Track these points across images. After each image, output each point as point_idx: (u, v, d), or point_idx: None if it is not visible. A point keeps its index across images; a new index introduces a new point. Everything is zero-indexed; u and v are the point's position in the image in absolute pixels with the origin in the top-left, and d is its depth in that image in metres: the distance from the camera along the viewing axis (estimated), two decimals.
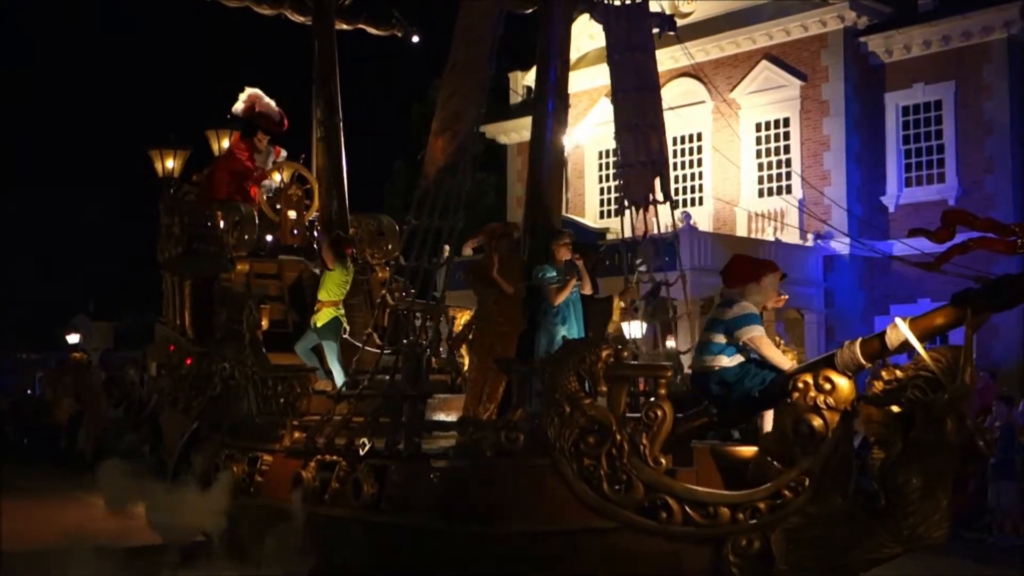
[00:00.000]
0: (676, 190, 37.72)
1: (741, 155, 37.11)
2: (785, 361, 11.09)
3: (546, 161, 12.98)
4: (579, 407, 10.63)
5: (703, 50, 36.19)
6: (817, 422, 10.05)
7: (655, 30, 13.77)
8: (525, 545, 10.94)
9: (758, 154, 37.38)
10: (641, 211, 13.62)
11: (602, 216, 40.80)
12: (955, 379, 9.48)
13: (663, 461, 10.51)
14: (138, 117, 78.03)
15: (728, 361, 11.08)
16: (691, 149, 39.15)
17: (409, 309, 13.00)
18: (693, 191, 39.07)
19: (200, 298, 16.85)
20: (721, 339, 11.13)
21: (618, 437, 10.49)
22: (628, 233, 13.90)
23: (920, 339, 9.83)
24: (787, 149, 36.62)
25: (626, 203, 13.53)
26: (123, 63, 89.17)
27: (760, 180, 37.55)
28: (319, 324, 15.57)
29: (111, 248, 71.71)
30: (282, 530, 12.63)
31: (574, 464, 10.60)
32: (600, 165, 41.55)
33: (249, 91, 18.26)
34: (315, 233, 17.10)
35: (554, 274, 12.93)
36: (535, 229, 13.01)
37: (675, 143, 38.30)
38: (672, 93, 35.55)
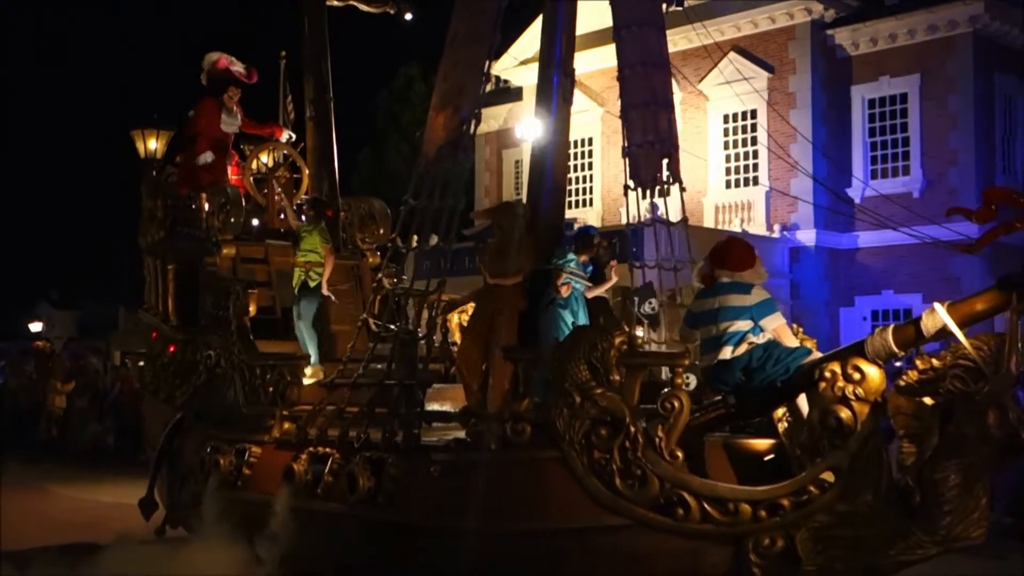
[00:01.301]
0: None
1: (708, 146, 36.53)
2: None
3: (551, 141, 11.87)
4: (590, 397, 9.70)
5: (671, 41, 35.15)
6: (845, 414, 9.06)
7: (663, 4, 12.69)
8: (532, 544, 10.02)
9: (725, 145, 36.63)
10: (648, 194, 12.64)
11: (570, 207, 39.83)
12: (998, 368, 8.56)
13: (680, 455, 9.53)
14: (113, 97, 75.63)
15: (754, 339, 10.14)
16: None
17: (407, 294, 11.96)
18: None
19: (184, 283, 15.67)
20: (746, 325, 10.17)
21: (632, 429, 9.55)
22: (634, 218, 12.96)
23: (959, 326, 8.84)
24: (754, 141, 35.86)
25: (631, 186, 12.52)
26: (101, 39, 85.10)
27: (727, 171, 36.79)
28: (312, 284, 14.43)
29: (75, 235, 69.85)
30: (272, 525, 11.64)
31: (585, 458, 9.68)
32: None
33: (210, 55, 17.04)
34: (303, 218, 15.98)
35: (574, 265, 11.94)
36: (539, 211, 11.89)
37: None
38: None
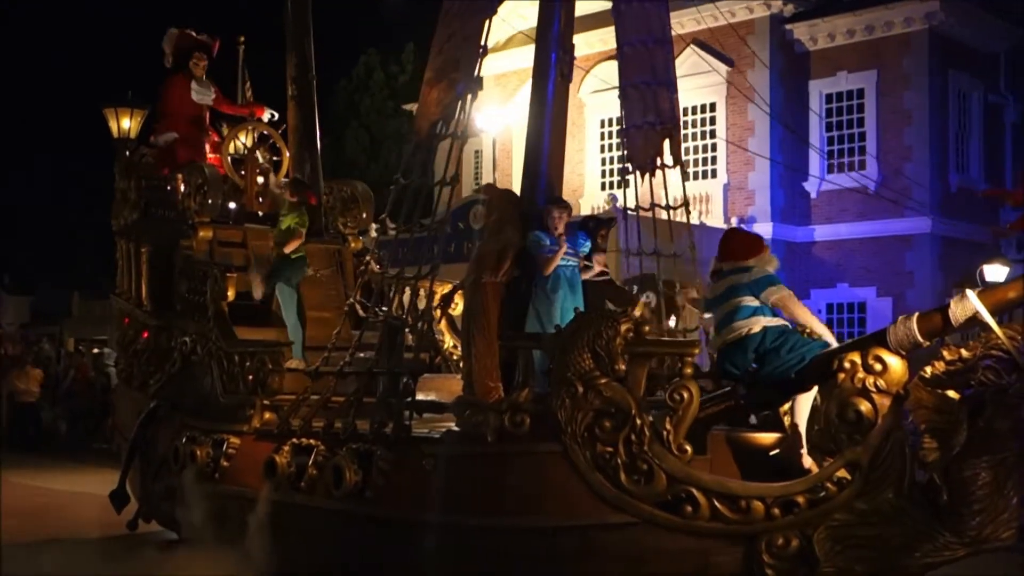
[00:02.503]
0: (603, 172, 36.36)
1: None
2: (818, 323, 9.69)
3: (547, 121, 10.97)
4: (594, 387, 8.89)
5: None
6: (865, 407, 8.33)
7: None
8: (531, 542, 9.19)
9: (684, 138, 35.71)
10: (647, 177, 11.82)
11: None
12: None
13: (688, 449, 8.75)
14: (73, 72, 72.37)
15: (768, 321, 9.42)
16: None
17: (399, 279, 11.06)
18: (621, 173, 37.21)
19: (158, 267, 14.63)
20: (752, 301, 9.49)
21: (638, 422, 8.74)
22: (632, 202, 12.15)
23: (991, 314, 8.06)
24: (712, 134, 35.12)
25: (630, 168, 11.70)
26: (61, 11, 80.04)
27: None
28: (293, 257, 13.54)
29: (27, 218, 67.48)
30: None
31: (587, 451, 8.89)
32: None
33: (168, 32, 16.06)
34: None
35: (548, 243, 11.02)
36: (535, 194, 10.99)
37: (602, 125, 36.88)
38: (603, 75, 33.43)
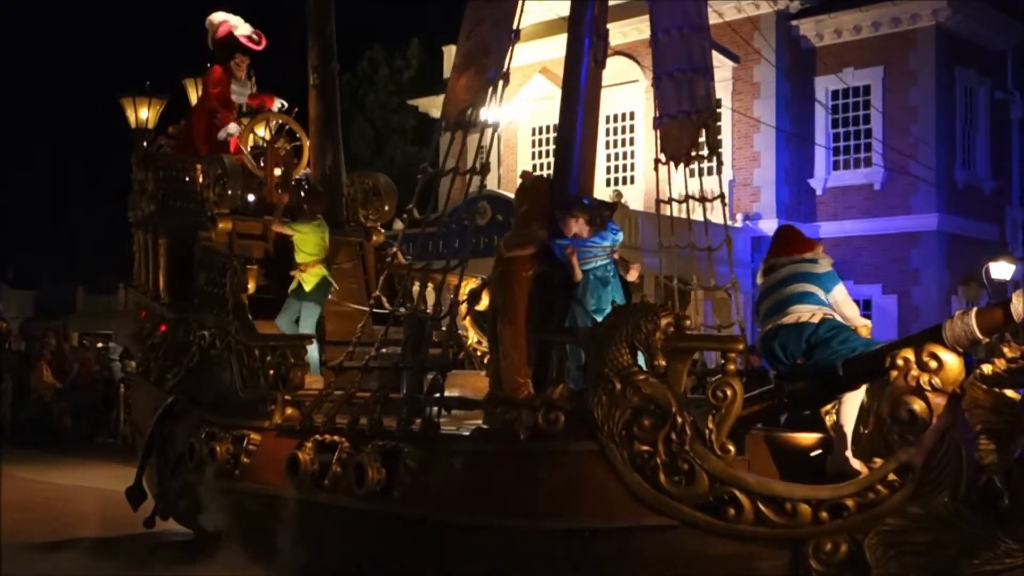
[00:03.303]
0: (607, 168, 35.78)
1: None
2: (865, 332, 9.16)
3: (580, 109, 10.38)
4: (632, 384, 8.32)
5: (637, 29, 33.74)
6: (919, 406, 7.74)
7: None
8: (565, 544, 8.61)
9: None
10: (681, 168, 11.27)
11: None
12: None
13: (731, 449, 8.17)
14: (78, 62, 71.09)
15: (827, 313, 8.95)
16: (622, 128, 36.66)
17: (427, 271, 10.50)
18: (625, 169, 36.70)
19: (176, 259, 14.03)
20: (818, 291, 9.03)
21: (679, 420, 8.17)
22: (664, 194, 11.60)
23: None
24: (719, 130, 34.53)
25: (663, 159, 11.14)
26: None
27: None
28: (307, 288, 13.03)
29: (31, 213, 66.55)
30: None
31: (625, 451, 8.32)
32: (533, 142, 39.10)
33: (213, 16, 15.48)
34: (302, 193, 14.46)
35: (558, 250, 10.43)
36: (567, 184, 10.41)
37: (607, 121, 35.77)
38: (605, 73, 33.01)
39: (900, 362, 7.87)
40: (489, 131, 9.99)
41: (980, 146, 33.35)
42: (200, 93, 15.78)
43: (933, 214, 30.92)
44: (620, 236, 10.65)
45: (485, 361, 11.68)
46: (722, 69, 33.68)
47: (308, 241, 13.22)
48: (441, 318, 10.10)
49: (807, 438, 9.41)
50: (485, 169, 10.02)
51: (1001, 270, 30.19)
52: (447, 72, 42.98)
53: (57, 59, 71.37)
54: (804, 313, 8.92)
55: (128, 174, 15.58)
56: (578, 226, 10.12)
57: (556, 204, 10.21)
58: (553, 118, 36.07)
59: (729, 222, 31.02)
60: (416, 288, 11.52)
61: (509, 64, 10.04)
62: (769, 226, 32.51)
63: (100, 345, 36.61)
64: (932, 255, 31.03)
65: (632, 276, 10.93)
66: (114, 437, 27.34)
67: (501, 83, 9.98)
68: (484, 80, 10.04)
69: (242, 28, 15.29)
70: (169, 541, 13.39)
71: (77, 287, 55.05)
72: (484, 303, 13.01)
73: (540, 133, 37.90)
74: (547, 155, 38.41)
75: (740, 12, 33.54)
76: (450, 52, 42.43)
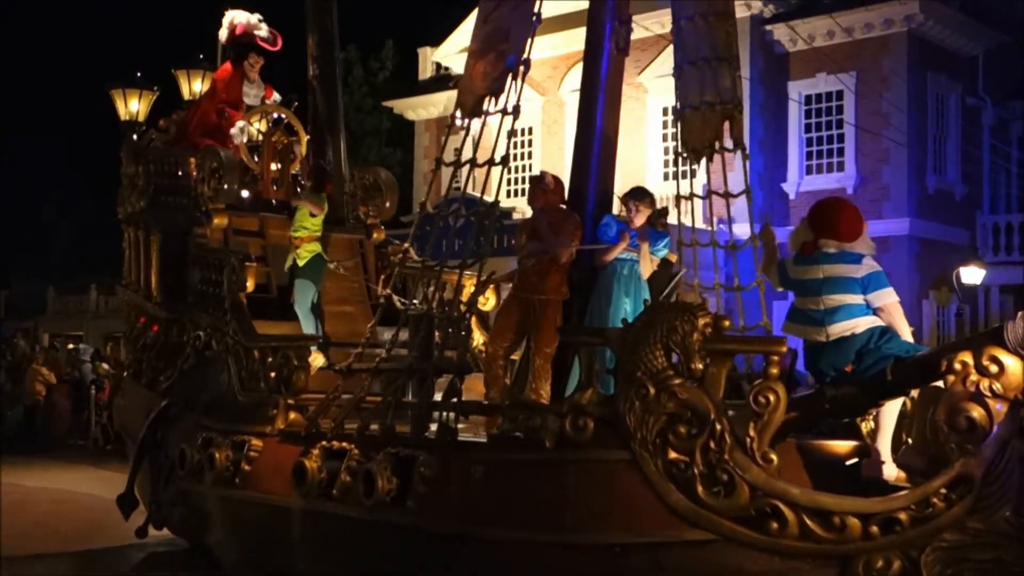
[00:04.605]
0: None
1: (647, 139, 34.39)
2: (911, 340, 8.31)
3: (601, 97, 9.61)
4: (667, 389, 7.54)
5: None
6: (979, 413, 7.02)
7: None
8: (595, 560, 7.83)
9: (664, 138, 34.50)
10: (704, 162, 10.54)
11: (508, 196, 37.65)
12: None
13: (774, 458, 7.38)
14: (52, 50, 68.55)
15: (872, 322, 8.17)
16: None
17: (441, 269, 9.70)
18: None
19: (169, 257, 13.16)
20: (852, 299, 8.23)
21: (718, 427, 7.41)
22: (685, 189, 10.88)
23: None
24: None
25: (683, 153, 10.40)
26: None
27: (665, 163, 34.51)
28: (300, 263, 12.27)
29: (3, 209, 64.61)
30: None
31: (659, 460, 7.54)
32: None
33: (232, 13, 14.59)
34: (299, 189, 13.64)
35: (613, 231, 9.85)
36: (586, 176, 9.65)
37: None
38: (572, 79, 32.85)
39: (958, 366, 7.17)
40: (508, 121, 9.08)
41: (951, 151, 32.89)
42: (204, 86, 14.97)
43: (904, 219, 30.46)
44: (663, 249, 10.10)
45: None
46: None
47: (306, 215, 12.50)
48: (458, 318, 9.29)
49: (841, 446, 8.76)
50: (505, 160, 9.17)
51: (971, 275, 29.82)
52: (422, 74, 42.51)
53: (32, 48, 69.48)
54: (848, 329, 8.17)
55: (107, 169, 14.75)
56: (640, 217, 9.73)
57: (631, 191, 9.84)
58: (528, 120, 35.83)
59: (704, 226, 30.32)
60: (428, 287, 10.72)
61: (530, 50, 9.18)
62: (743, 230, 31.91)
63: (71, 347, 35.73)
64: (903, 260, 30.48)
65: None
66: (84, 439, 26.91)
67: (522, 70, 9.12)
68: (503, 66, 9.20)
69: (261, 29, 14.45)
70: (163, 552, 12.53)
71: (49, 287, 53.84)
72: (491, 303, 12.36)
73: (513, 136, 37.03)
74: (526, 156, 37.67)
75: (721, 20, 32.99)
76: (424, 54, 41.73)
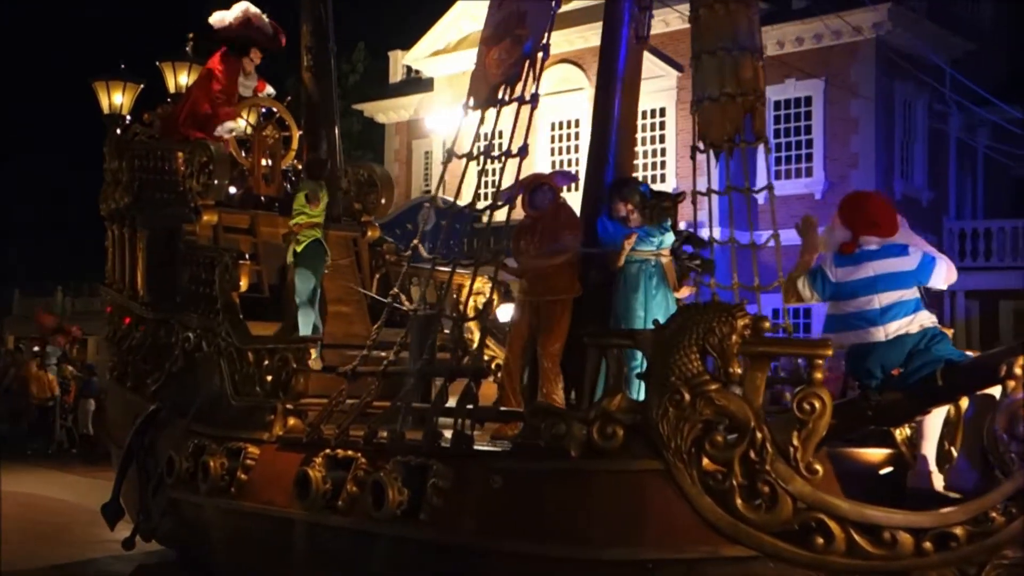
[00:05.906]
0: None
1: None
2: None
3: (619, 86, 8.95)
4: (703, 394, 6.90)
5: (583, 37, 32.79)
6: None
7: None
8: None
9: (633, 142, 34.11)
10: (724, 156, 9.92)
11: (478, 198, 37.02)
12: None
13: (819, 469, 6.74)
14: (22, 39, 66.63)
15: (927, 320, 7.62)
16: (569, 135, 35.41)
17: (453, 264, 9.02)
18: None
19: (156, 255, 12.40)
20: (910, 294, 7.65)
21: (758, 436, 6.77)
22: (702, 184, 10.27)
23: None
24: (663, 139, 33.49)
25: (701, 146, 9.77)
26: None
27: (635, 168, 34.18)
28: (299, 249, 11.57)
29: None
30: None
31: (695, 470, 6.91)
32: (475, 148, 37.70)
33: (241, 3, 13.82)
34: (289, 187, 12.92)
35: (611, 231, 9.22)
36: (602, 168, 8.99)
37: (553, 128, 34.95)
38: (551, 79, 32.07)
39: (1018, 371, 6.63)
40: (526, 110, 8.38)
41: (918, 157, 32.64)
42: (190, 79, 14.21)
43: None
44: (669, 238, 9.34)
45: (493, 367, 10.31)
46: (666, 78, 32.85)
47: (302, 201, 11.80)
48: (473, 319, 8.61)
49: (875, 454, 8.24)
50: (523, 152, 8.47)
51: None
52: (392, 77, 41.82)
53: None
54: (904, 323, 7.55)
55: (87, 166, 13.94)
56: (625, 211, 8.90)
57: (612, 184, 8.84)
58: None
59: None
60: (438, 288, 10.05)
61: (549, 35, 8.46)
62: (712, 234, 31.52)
63: (36, 349, 34.76)
64: None
65: (682, 294, 9.67)
66: (51, 443, 26.54)
67: (540, 56, 8.41)
68: (520, 52, 8.48)
69: (265, 25, 13.72)
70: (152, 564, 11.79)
71: (14, 290, 52.69)
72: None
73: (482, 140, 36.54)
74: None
75: (685, 22, 32.49)
76: (395, 57, 41.10)
